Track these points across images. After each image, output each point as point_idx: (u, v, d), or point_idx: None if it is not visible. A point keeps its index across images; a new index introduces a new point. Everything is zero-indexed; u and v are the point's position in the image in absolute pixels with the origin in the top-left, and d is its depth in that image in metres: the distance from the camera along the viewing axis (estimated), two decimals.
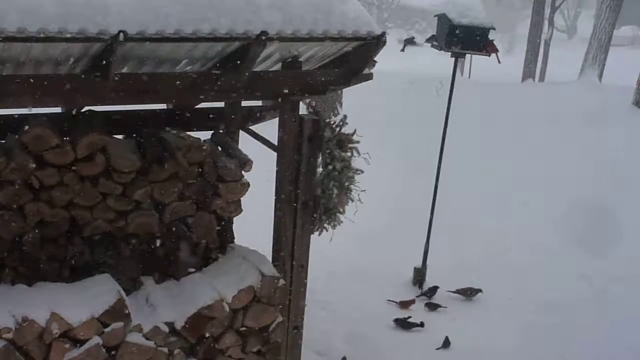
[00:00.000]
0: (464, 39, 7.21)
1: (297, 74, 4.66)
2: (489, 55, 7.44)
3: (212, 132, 5.44)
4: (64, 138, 4.39)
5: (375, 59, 4.77)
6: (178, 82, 4.28)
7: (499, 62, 7.67)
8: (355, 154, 5.30)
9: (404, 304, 7.24)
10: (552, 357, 6.48)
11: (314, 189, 5.09)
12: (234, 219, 5.21)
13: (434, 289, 7.51)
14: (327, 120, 5.22)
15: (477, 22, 7.21)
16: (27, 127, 4.31)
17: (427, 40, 7.64)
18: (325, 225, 5.35)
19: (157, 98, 4.48)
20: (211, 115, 5.47)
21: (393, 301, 7.25)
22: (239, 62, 4.28)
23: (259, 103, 5.52)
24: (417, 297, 7.42)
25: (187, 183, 4.84)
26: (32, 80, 3.88)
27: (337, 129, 5.23)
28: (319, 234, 5.39)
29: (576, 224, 8.61)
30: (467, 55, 8.33)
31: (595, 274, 7.91)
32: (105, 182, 4.53)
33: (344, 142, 5.24)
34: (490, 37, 7.33)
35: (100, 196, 4.55)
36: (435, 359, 6.42)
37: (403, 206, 8.96)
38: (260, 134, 5.36)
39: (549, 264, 8.16)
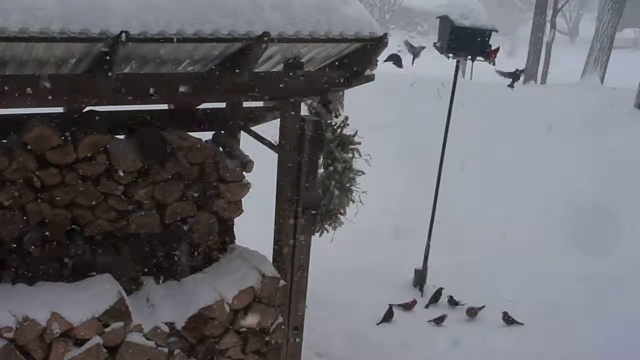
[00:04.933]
0: (465, 41, 7.21)
1: (298, 75, 4.66)
2: (490, 62, 7.46)
3: (213, 132, 5.45)
4: (66, 138, 4.39)
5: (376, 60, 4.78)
6: (180, 83, 4.28)
7: (494, 64, 7.66)
8: (356, 155, 5.31)
9: (408, 306, 7.24)
10: (552, 357, 6.48)
11: (315, 190, 5.09)
12: (235, 219, 5.21)
13: (439, 293, 7.46)
14: (329, 121, 5.22)
15: (479, 24, 7.21)
16: (29, 127, 4.32)
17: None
18: (326, 226, 5.36)
19: (158, 98, 4.48)
20: (212, 116, 5.47)
21: (397, 305, 7.24)
22: (240, 62, 4.28)
23: (261, 104, 5.53)
24: (426, 307, 7.38)
25: (188, 183, 4.84)
26: (34, 80, 3.89)
27: (339, 130, 5.24)
28: (320, 235, 5.40)
29: (576, 225, 8.61)
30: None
31: (595, 274, 7.90)
32: (106, 182, 4.54)
33: (345, 143, 5.24)
34: (492, 39, 7.33)
35: (102, 196, 4.56)
36: (435, 359, 6.44)
37: (404, 207, 8.96)
38: (262, 135, 5.36)
39: (548, 265, 8.16)
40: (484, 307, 7.22)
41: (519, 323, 7.06)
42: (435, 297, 7.46)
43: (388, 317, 6.98)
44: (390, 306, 7.02)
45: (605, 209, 8.78)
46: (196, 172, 4.86)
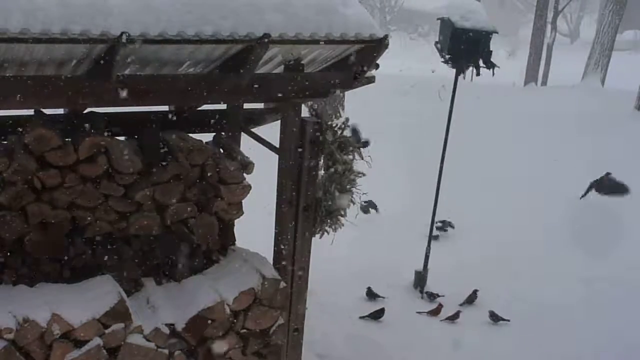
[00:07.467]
0: (466, 42, 7.21)
1: (299, 77, 4.67)
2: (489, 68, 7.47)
3: (214, 134, 5.45)
4: (66, 139, 4.40)
5: (377, 61, 4.78)
6: (180, 84, 4.29)
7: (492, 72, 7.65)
8: (356, 156, 5.30)
9: (434, 312, 7.22)
10: (551, 357, 6.47)
11: (315, 192, 5.09)
12: (235, 221, 5.21)
13: (475, 295, 7.46)
14: (329, 122, 5.22)
15: (480, 25, 7.21)
16: (29, 128, 4.32)
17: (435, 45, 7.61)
18: (326, 227, 5.34)
19: (159, 100, 4.48)
20: (213, 118, 5.48)
21: (423, 312, 7.24)
22: (241, 64, 4.29)
23: (261, 105, 5.53)
24: (460, 305, 7.35)
25: (189, 185, 4.84)
26: (34, 82, 3.89)
27: (339, 132, 5.23)
28: (320, 237, 5.39)
29: (576, 226, 8.61)
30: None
31: (595, 276, 7.90)
32: (106, 183, 4.54)
33: (346, 144, 5.24)
34: (493, 41, 7.32)
35: (102, 197, 4.56)
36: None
37: (404, 209, 8.95)
38: (262, 137, 5.36)
39: (548, 266, 8.15)
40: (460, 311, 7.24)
41: (505, 320, 7.06)
42: (470, 299, 7.45)
43: (372, 296, 7.28)
44: (369, 288, 7.33)
45: (605, 209, 8.78)
46: (197, 173, 4.86)
